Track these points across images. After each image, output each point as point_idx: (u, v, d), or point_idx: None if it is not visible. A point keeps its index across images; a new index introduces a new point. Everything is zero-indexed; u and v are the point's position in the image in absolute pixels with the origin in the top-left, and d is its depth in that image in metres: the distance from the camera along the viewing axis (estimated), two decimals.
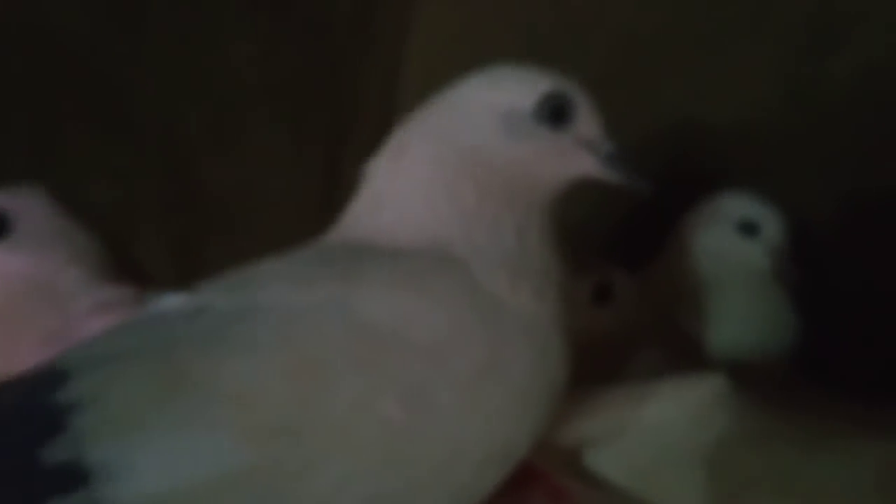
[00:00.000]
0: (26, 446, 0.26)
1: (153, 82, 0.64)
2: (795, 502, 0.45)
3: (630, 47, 0.71)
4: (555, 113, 0.36)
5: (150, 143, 0.66)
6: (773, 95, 0.66)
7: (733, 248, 0.59)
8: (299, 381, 0.28)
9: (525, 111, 0.35)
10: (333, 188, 0.65)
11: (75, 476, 0.26)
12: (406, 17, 0.74)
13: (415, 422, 0.29)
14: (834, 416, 0.49)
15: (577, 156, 0.36)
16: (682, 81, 0.69)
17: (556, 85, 0.36)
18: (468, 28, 0.75)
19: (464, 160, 0.35)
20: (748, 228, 0.58)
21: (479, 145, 0.35)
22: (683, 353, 0.57)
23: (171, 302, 0.32)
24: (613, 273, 0.53)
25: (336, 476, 0.28)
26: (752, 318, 0.58)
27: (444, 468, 0.30)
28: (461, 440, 0.30)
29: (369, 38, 0.76)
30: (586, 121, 0.37)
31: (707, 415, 0.46)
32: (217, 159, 0.71)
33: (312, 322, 0.30)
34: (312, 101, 0.74)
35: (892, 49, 0.61)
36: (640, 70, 0.70)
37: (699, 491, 0.46)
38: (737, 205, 0.59)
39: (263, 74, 0.72)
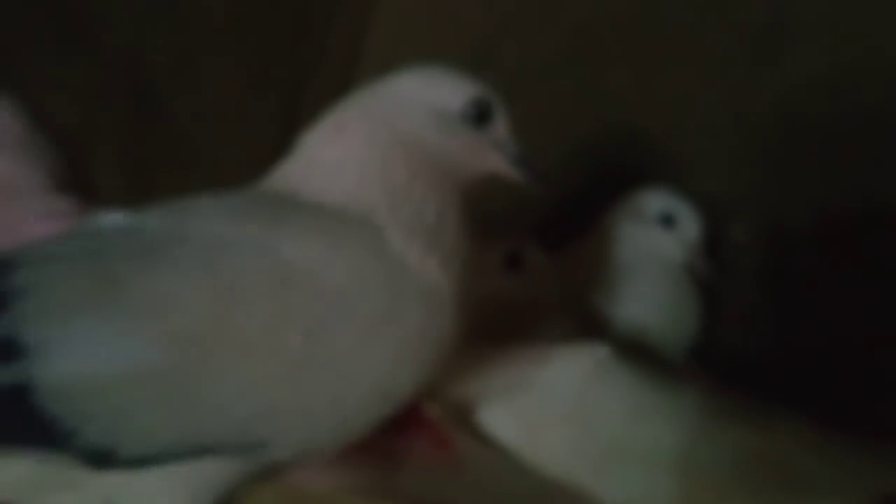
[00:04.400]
0: None
1: (120, 4, 0.66)
2: (657, 471, 0.50)
3: (586, 34, 0.74)
4: (478, 115, 0.41)
5: (113, 67, 0.67)
6: (711, 102, 0.69)
7: (650, 238, 0.63)
8: (215, 301, 0.32)
9: (453, 110, 0.40)
10: (287, 134, 0.67)
11: (11, 350, 0.29)
12: None
13: (312, 352, 0.33)
14: (711, 399, 0.53)
15: (491, 154, 0.42)
16: (629, 77, 0.72)
17: (482, 92, 0.41)
18: (434, 2, 0.78)
19: (397, 143, 0.39)
20: (666, 221, 0.62)
21: (411, 133, 0.39)
22: (591, 329, 0.61)
23: (112, 219, 0.36)
24: (526, 245, 0.57)
25: (237, 386, 0.32)
26: (658, 302, 0.63)
27: (333, 395, 0.34)
28: (351, 374, 0.34)
29: None
30: (501, 125, 0.42)
31: (589, 380, 0.51)
32: (178, 90, 0.73)
33: (236, 253, 0.33)
34: (276, 49, 0.76)
35: (821, 73, 0.65)
36: (592, 59, 0.73)
37: (573, 451, 0.50)
38: (657, 198, 0.63)
39: (231, 12, 0.74)
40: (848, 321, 0.63)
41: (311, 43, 0.79)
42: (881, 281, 0.61)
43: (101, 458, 0.31)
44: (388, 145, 0.39)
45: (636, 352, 0.56)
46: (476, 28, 0.79)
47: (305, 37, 0.79)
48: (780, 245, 0.67)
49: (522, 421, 0.52)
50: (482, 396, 0.52)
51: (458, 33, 0.80)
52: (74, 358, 0.30)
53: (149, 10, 0.68)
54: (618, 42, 0.74)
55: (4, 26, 0.61)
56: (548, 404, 0.52)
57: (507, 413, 0.52)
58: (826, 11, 0.65)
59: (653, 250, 0.63)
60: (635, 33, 0.73)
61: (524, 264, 0.57)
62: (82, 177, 0.51)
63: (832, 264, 0.64)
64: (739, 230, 0.68)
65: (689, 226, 0.63)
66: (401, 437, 0.48)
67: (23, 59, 0.60)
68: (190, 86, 0.74)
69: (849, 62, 0.64)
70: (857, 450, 0.51)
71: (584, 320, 0.61)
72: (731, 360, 0.65)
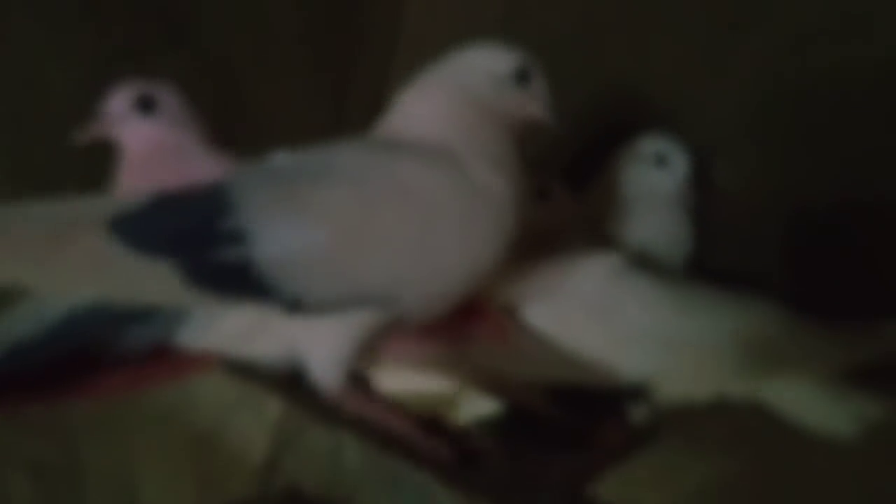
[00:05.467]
0: (211, 217, 0.45)
1: (211, 14, 0.83)
2: (666, 350, 0.61)
3: (590, 13, 0.87)
4: (522, 77, 0.55)
5: (205, 60, 0.83)
6: (696, 63, 0.80)
7: (648, 176, 0.73)
8: (361, 206, 0.47)
9: (504, 74, 0.55)
10: (338, 104, 0.83)
11: (236, 237, 0.45)
12: None
13: (424, 240, 0.48)
14: (707, 292, 0.65)
15: (531, 105, 0.56)
16: (627, 46, 0.85)
17: (525, 60, 0.55)
18: None
19: (466, 100, 0.53)
20: (659, 161, 0.73)
21: (476, 92, 0.54)
22: (605, 249, 0.71)
23: (282, 158, 0.51)
24: (553, 180, 0.70)
25: (379, 261, 0.47)
26: (656, 228, 0.73)
27: (439, 269, 0.49)
28: (450, 255, 0.49)
29: None
30: (538, 84, 0.56)
31: (608, 280, 0.63)
32: (254, 77, 0.89)
33: (370, 174, 0.48)
34: (328, 33, 0.91)
35: (790, 36, 0.74)
36: (595, 33, 0.87)
37: (597, 336, 0.62)
38: (653, 142, 0.73)
39: (294, 11, 0.89)
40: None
41: (358, 26, 0.94)
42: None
43: (294, 305, 0.46)
44: (460, 102, 0.53)
45: (643, 262, 0.68)
46: (495, 11, 0.93)
47: (352, 22, 0.93)
48: (758, 183, 0.78)
49: (557, 315, 0.63)
50: (524, 297, 0.63)
51: (479, 15, 0.93)
52: (276, 242, 0.45)
53: (231, 14, 0.84)
54: (616, 18, 0.86)
55: (131, 38, 0.79)
56: (576, 301, 0.63)
57: (545, 310, 0.63)
58: None
59: (650, 186, 0.73)
60: (631, 10, 0.85)
61: (552, 196, 0.69)
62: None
63: (809, 200, 0.74)
64: (720, 166, 0.78)
65: (679, 164, 0.73)
66: (467, 323, 0.62)
67: (142, 60, 0.76)
68: (262, 72, 0.89)
69: (815, 25, 0.74)
70: (823, 329, 0.60)
71: (598, 242, 0.72)
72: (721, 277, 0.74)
